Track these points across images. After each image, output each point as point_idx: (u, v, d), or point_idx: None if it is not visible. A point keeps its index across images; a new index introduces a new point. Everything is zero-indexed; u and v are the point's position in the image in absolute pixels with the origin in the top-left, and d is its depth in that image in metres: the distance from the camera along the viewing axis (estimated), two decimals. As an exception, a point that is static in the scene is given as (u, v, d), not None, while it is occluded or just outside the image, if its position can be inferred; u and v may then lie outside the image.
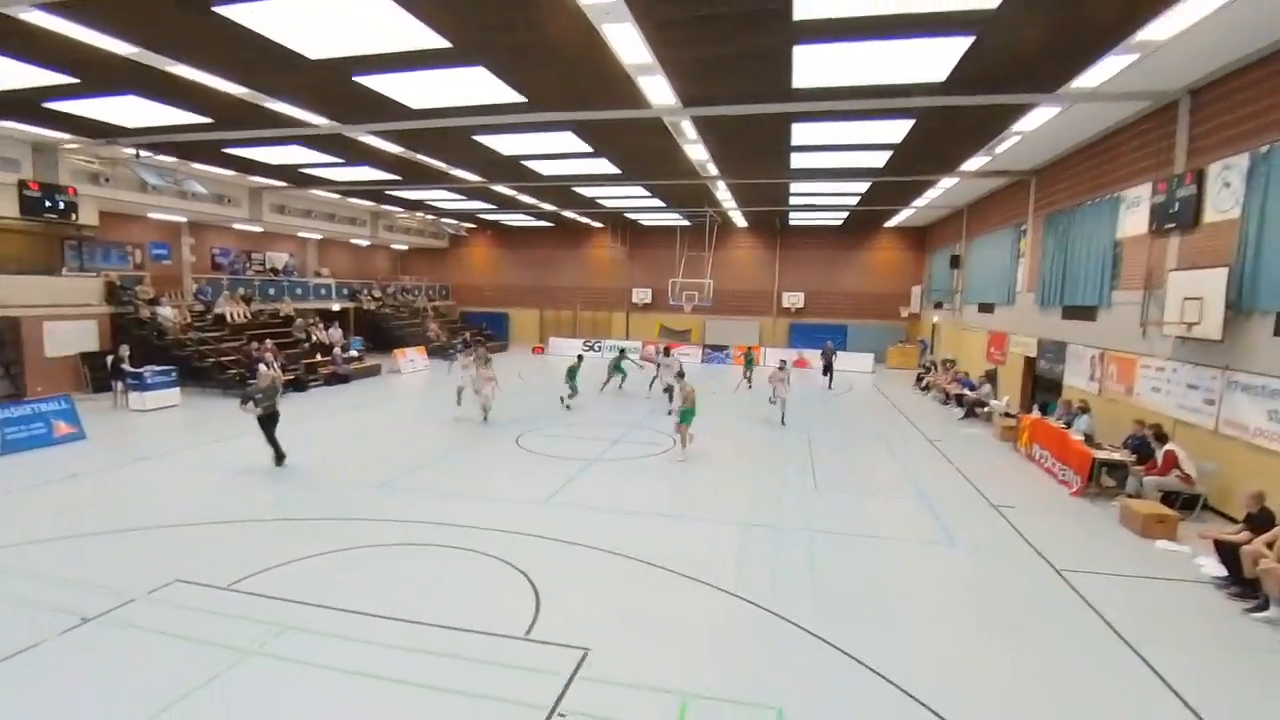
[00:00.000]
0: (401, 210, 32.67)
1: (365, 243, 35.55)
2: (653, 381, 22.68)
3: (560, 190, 24.96)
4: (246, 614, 7.04)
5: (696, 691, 5.93)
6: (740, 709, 5.71)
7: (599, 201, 27.86)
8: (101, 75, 12.14)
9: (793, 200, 26.73)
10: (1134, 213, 13.85)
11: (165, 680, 5.86)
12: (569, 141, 16.87)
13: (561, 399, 20.18)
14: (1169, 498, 10.86)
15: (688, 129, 15.47)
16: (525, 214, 32.14)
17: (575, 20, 9.17)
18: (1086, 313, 15.84)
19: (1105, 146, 15.29)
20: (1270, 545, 7.97)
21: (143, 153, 18.47)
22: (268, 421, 12.70)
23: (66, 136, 17.33)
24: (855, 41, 9.81)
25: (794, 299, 35.37)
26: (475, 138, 16.47)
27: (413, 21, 9.38)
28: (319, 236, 32.40)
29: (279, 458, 12.76)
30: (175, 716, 5.40)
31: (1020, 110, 13.70)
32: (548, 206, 29.36)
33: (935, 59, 10.48)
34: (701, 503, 11.48)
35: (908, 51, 10.16)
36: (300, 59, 10.92)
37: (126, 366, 18.28)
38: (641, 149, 17.76)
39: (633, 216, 32.56)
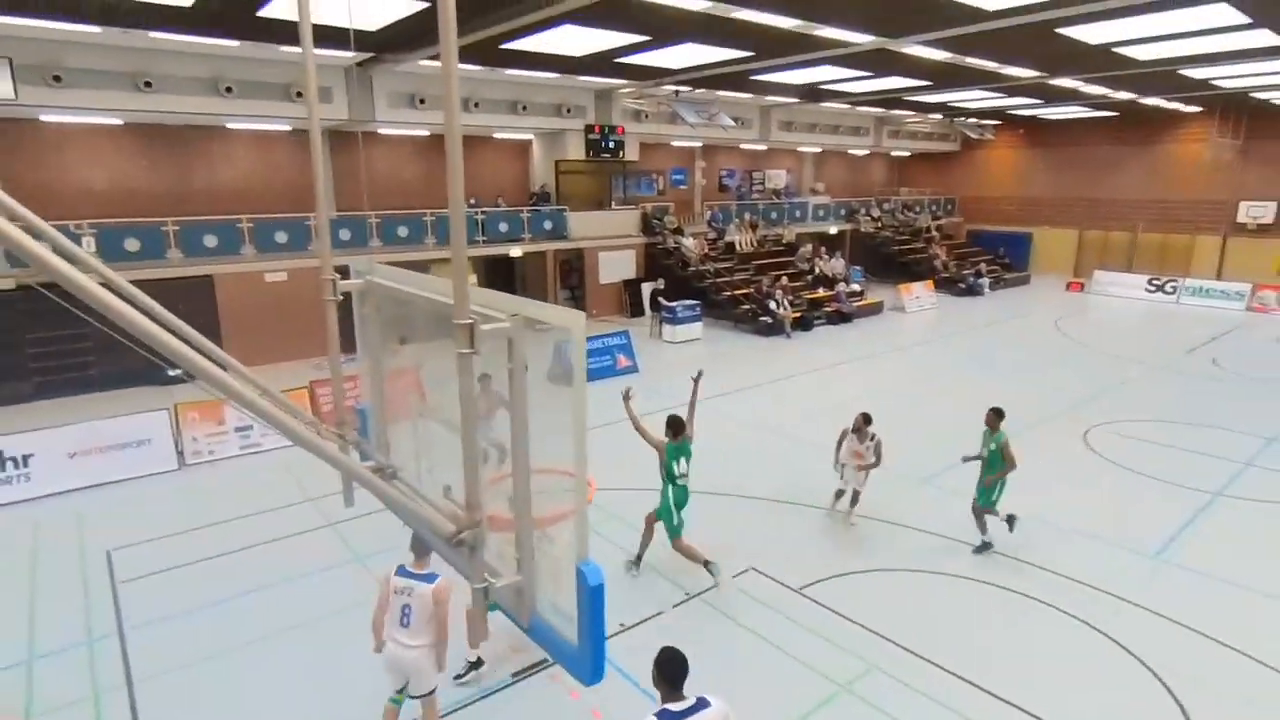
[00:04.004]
0: (912, 114, 31.49)
1: (864, 152, 35.64)
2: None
3: (1149, 76, 20.56)
4: (819, 629, 7.48)
5: None
6: None
7: (1211, 82, 22.15)
8: (668, 30, 13.96)
9: None
10: None
11: (751, 671, 6.74)
12: (1214, 15, 13.59)
13: None
14: None
15: None
16: (1079, 105, 27.71)
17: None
18: None
19: None
20: None
21: (681, 89, 20.79)
22: None
23: (622, 82, 20.43)
24: None
25: None
26: (1059, 30, 14.61)
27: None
28: (818, 149, 33.46)
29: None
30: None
31: None
32: (1121, 95, 24.70)
33: None
34: None
35: None
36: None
37: (663, 300, 21.29)
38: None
39: (1262, 96, 24.83)
